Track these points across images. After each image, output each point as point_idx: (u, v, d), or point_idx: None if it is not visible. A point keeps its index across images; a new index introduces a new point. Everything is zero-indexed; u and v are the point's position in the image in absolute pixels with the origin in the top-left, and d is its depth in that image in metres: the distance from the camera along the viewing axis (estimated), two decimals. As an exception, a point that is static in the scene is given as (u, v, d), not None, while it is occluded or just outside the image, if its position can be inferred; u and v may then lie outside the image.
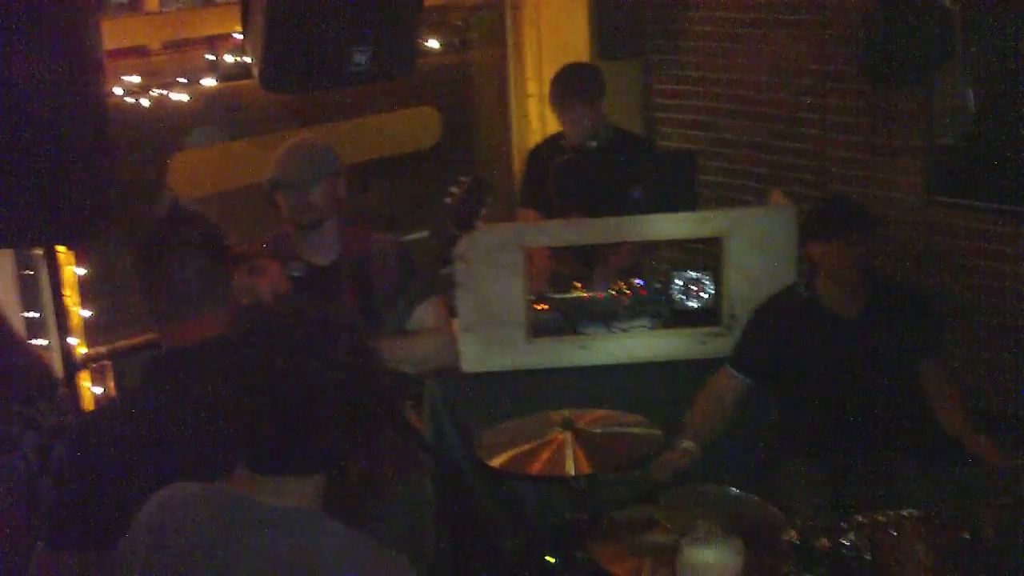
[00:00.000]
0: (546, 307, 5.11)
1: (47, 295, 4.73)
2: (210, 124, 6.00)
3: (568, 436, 3.77)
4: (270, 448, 2.20)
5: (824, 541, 3.45)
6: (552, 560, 3.94)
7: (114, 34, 5.27)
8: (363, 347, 2.29)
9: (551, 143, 5.91)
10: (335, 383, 2.18)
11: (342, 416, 2.21)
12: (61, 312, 4.78)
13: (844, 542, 3.44)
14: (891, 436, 4.38)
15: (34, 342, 4.74)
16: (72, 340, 4.99)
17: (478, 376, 4.94)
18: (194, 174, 5.38)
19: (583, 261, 5.57)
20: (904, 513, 3.48)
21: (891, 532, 3.44)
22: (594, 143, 5.57)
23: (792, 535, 3.46)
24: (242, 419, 2.21)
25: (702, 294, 5.04)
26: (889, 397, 4.41)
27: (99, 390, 5.13)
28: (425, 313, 4.12)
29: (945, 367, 4.54)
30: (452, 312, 4.74)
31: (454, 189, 3.98)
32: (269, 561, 2.15)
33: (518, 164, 7.12)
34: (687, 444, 4.29)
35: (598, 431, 3.87)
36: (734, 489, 3.85)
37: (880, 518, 3.46)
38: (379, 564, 2.23)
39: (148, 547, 2.24)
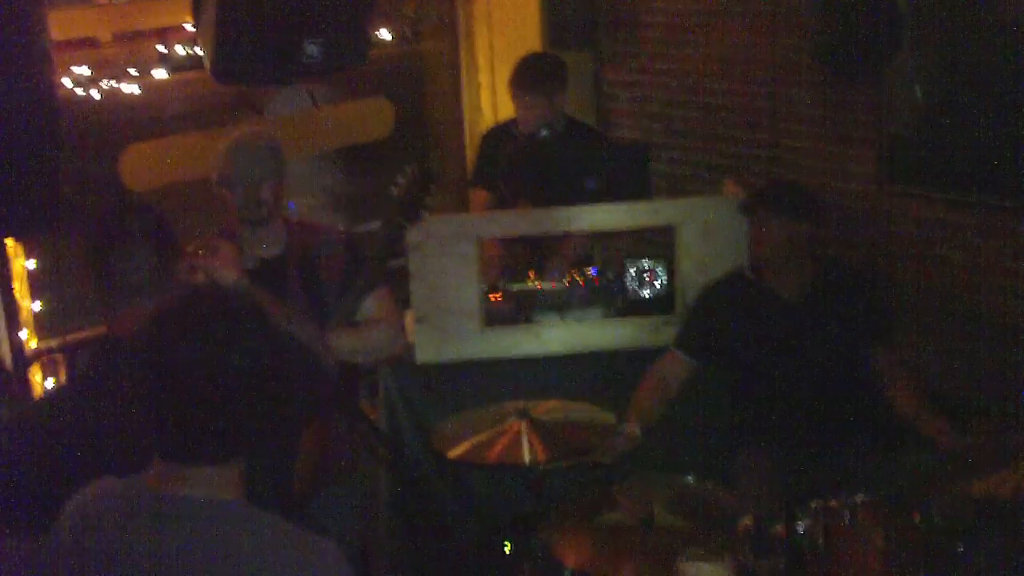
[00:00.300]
0: (500, 297, 5.11)
1: (-5, 288, 4.69)
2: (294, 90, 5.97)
3: (523, 425, 3.78)
4: (181, 437, 2.20)
5: (779, 528, 3.47)
6: (508, 548, 3.96)
7: (63, 25, 5.24)
8: (276, 333, 2.31)
9: (506, 127, 5.91)
10: (242, 370, 2.18)
11: (251, 403, 2.22)
12: (10, 305, 4.74)
13: (798, 528, 3.47)
14: (841, 421, 4.41)
15: (-17, 336, 4.70)
16: (22, 334, 4.96)
17: (433, 367, 4.94)
18: (145, 167, 5.34)
19: (534, 250, 5.58)
20: (857, 499, 3.51)
21: (844, 518, 3.47)
22: (545, 132, 5.57)
23: (748, 522, 3.49)
24: (154, 408, 2.22)
25: (655, 283, 5.06)
26: (837, 382, 4.45)
27: (50, 383, 5.10)
28: (373, 304, 4.13)
29: (896, 352, 4.57)
30: (401, 303, 4.75)
31: (399, 179, 3.99)
32: (184, 553, 2.15)
33: (471, 154, 7.12)
34: (630, 428, 4.29)
35: (553, 420, 3.89)
36: (690, 476, 3.87)
37: (833, 504, 3.49)
38: (302, 550, 2.22)
39: (66, 545, 2.25)
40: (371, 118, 6.35)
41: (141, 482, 2.24)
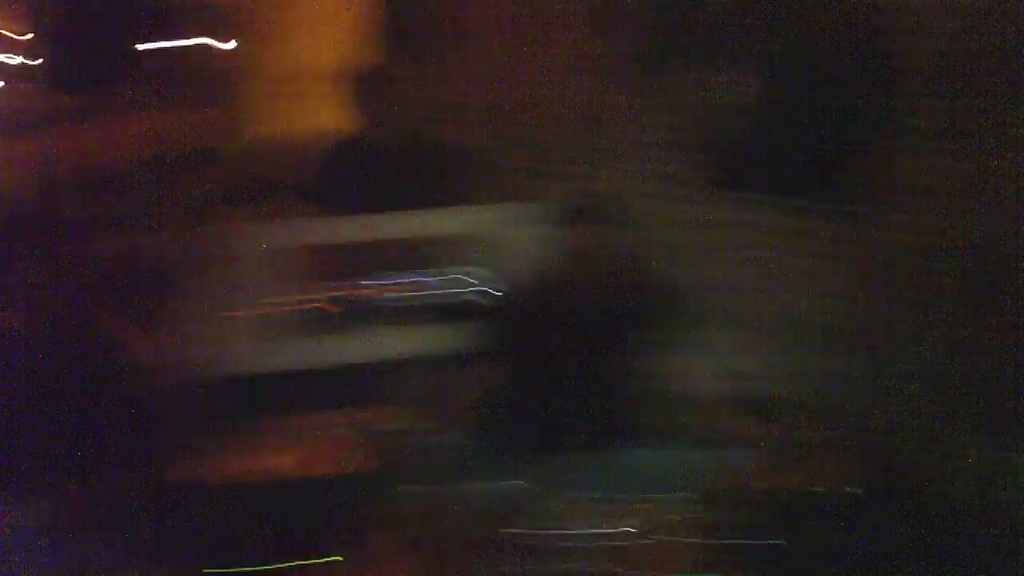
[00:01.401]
0: (327, 304, 5.11)
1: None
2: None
3: (352, 433, 3.80)
4: None
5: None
6: (341, 559, 3.98)
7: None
8: None
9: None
10: None
11: None
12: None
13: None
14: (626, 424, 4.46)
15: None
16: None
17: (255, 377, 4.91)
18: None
19: (359, 256, 5.58)
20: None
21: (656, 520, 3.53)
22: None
23: None
24: None
25: (469, 289, 5.09)
26: (626, 385, 4.52)
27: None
28: None
29: (690, 356, 4.68)
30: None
31: None
32: None
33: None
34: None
35: (380, 428, 3.91)
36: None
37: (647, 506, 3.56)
38: None
39: None
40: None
41: None
